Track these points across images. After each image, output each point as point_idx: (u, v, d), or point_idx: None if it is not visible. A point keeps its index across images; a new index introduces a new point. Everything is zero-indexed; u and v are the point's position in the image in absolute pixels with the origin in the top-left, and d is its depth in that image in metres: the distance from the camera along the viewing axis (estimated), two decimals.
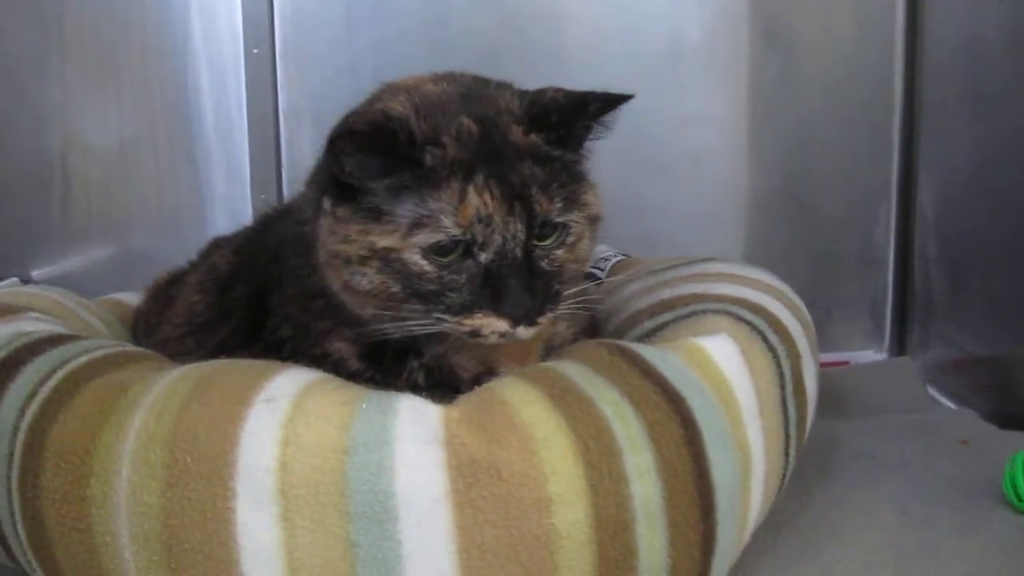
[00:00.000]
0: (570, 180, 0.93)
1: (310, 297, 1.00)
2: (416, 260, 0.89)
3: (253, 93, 1.82)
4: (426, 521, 0.79)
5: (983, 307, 1.66)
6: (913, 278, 1.87)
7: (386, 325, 0.93)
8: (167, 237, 1.82)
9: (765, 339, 1.00)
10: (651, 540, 0.83)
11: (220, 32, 1.81)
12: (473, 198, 0.88)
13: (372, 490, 0.78)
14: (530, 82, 0.99)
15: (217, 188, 1.86)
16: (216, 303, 1.15)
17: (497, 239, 0.89)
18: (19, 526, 0.88)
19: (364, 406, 0.82)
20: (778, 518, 1.08)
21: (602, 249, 1.61)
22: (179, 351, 1.10)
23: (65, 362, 0.94)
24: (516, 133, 0.92)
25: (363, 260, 0.91)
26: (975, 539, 1.09)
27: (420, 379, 0.99)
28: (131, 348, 1.05)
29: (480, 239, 0.89)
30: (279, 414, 0.81)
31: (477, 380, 0.96)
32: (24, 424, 0.89)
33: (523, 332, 0.90)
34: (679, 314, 1.05)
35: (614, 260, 1.55)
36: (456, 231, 0.88)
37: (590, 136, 0.97)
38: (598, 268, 1.54)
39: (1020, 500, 1.15)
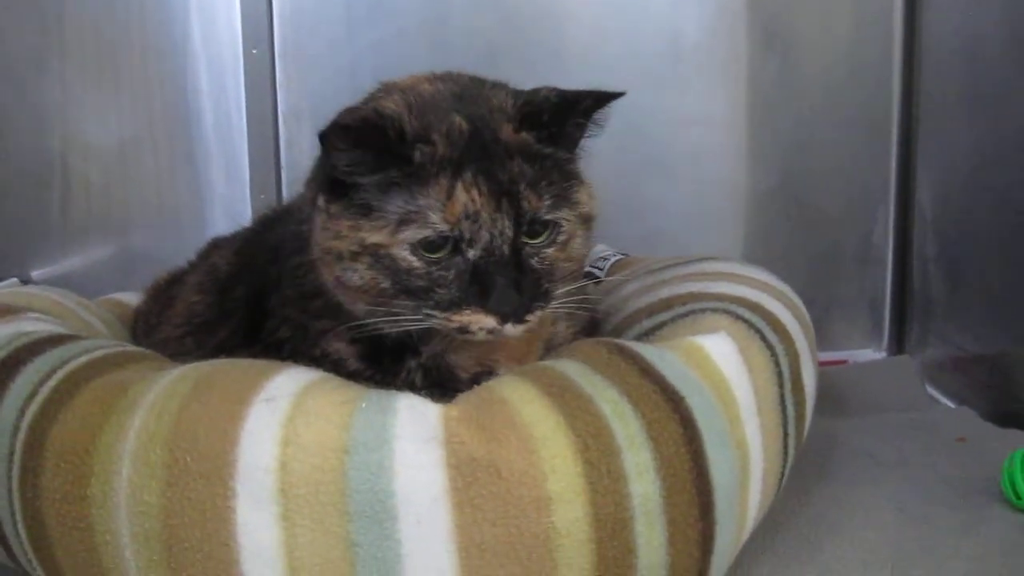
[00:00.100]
0: (561, 178, 0.94)
1: (308, 297, 1.00)
2: (405, 256, 0.90)
3: (252, 94, 1.82)
4: (426, 520, 0.79)
5: (982, 306, 1.66)
6: (912, 277, 1.87)
7: (378, 320, 0.94)
8: (166, 237, 1.82)
9: (763, 337, 1.00)
10: (650, 538, 0.83)
11: (219, 33, 1.81)
12: (461, 194, 0.89)
13: (372, 489, 0.79)
14: (530, 82, 0.99)
15: (216, 188, 1.86)
16: (216, 304, 1.15)
17: (485, 235, 0.89)
18: (19, 526, 0.89)
19: (364, 405, 0.82)
20: (777, 517, 1.08)
21: (601, 248, 1.61)
22: (179, 351, 1.10)
23: (65, 362, 0.94)
24: (506, 131, 0.92)
25: (354, 256, 0.91)
26: (973, 537, 1.10)
27: (418, 379, 0.99)
28: (131, 348, 1.05)
29: (468, 235, 0.89)
30: (279, 414, 0.81)
31: (476, 380, 0.96)
32: (24, 424, 0.89)
33: (511, 329, 0.90)
34: (677, 313, 1.05)
35: (613, 259, 1.55)
36: (444, 227, 0.89)
37: (583, 135, 0.97)
38: (597, 267, 1.54)
39: (1018, 498, 1.15)
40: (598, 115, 0.96)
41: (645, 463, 0.83)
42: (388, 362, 0.99)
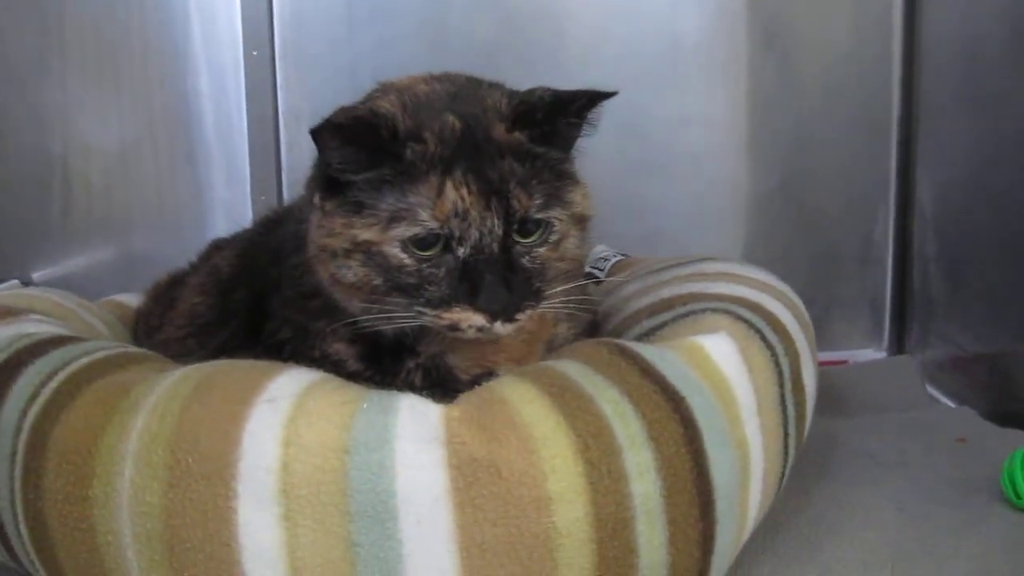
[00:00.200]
0: (553, 178, 0.94)
1: (307, 297, 1.01)
2: (395, 253, 0.91)
3: (253, 95, 1.82)
4: (427, 520, 0.79)
5: (982, 306, 1.66)
6: (912, 277, 1.87)
7: (373, 318, 0.94)
8: (167, 239, 1.83)
9: (763, 338, 1.00)
10: (651, 538, 0.83)
11: (220, 34, 1.81)
12: (450, 192, 0.89)
13: (373, 489, 0.79)
14: (529, 83, 0.99)
15: (217, 190, 1.86)
16: (217, 305, 1.15)
17: (474, 233, 0.90)
18: (22, 526, 0.89)
19: (365, 406, 0.83)
20: (777, 517, 1.08)
21: (601, 249, 1.61)
22: (180, 352, 1.10)
23: (67, 363, 0.94)
24: (499, 131, 0.93)
25: (347, 253, 0.92)
26: (974, 537, 1.10)
27: (417, 379, 0.99)
28: (133, 349, 1.05)
29: (457, 233, 0.90)
30: (280, 414, 0.81)
31: (476, 382, 0.96)
32: (26, 425, 0.89)
33: (501, 328, 0.91)
34: (678, 313, 1.05)
35: (613, 260, 1.56)
36: (433, 224, 0.90)
37: (577, 134, 0.98)
38: (597, 268, 1.54)
39: (1018, 497, 1.15)
40: (591, 114, 0.96)
41: (646, 463, 0.83)
42: (387, 363, 1.00)
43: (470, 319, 0.90)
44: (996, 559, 1.05)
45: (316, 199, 0.96)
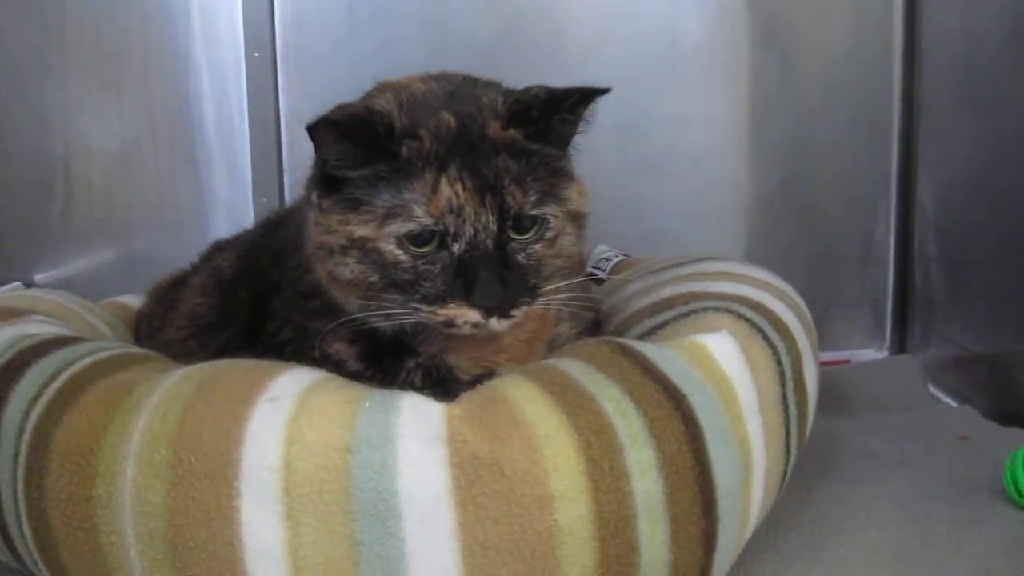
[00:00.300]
0: (548, 175, 0.94)
1: (307, 296, 1.01)
2: (391, 250, 0.91)
3: (254, 97, 1.82)
4: (429, 518, 0.79)
5: (983, 305, 1.66)
6: (913, 277, 1.87)
7: (370, 315, 0.95)
8: (169, 241, 1.82)
9: (765, 336, 1.00)
10: (652, 536, 0.83)
11: (221, 36, 1.81)
12: (445, 189, 0.90)
13: (375, 488, 0.79)
14: (530, 83, 0.99)
15: (219, 192, 1.86)
16: (219, 306, 1.15)
17: (468, 230, 0.90)
18: (24, 526, 0.89)
19: (367, 404, 0.83)
20: (780, 515, 1.09)
21: (603, 249, 1.61)
22: (182, 353, 1.11)
23: (69, 364, 0.94)
24: (494, 128, 0.93)
25: (344, 250, 0.93)
26: (976, 535, 1.10)
27: (417, 379, 1.00)
28: (135, 350, 1.06)
29: (452, 230, 0.90)
30: (283, 413, 0.82)
31: (477, 382, 0.95)
32: (29, 425, 0.89)
33: (496, 324, 0.91)
34: (679, 312, 1.05)
35: (615, 260, 1.56)
36: (428, 221, 0.90)
37: (573, 132, 0.98)
38: (599, 268, 1.55)
39: (1020, 496, 1.15)
40: (585, 111, 0.96)
41: (647, 461, 0.84)
42: (387, 363, 1.00)
43: (465, 315, 0.91)
44: (998, 557, 1.05)
45: (314, 196, 0.96)
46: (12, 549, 0.95)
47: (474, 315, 0.90)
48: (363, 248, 0.92)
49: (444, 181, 0.90)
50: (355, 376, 0.97)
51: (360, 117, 0.90)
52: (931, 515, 1.15)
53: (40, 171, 1.84)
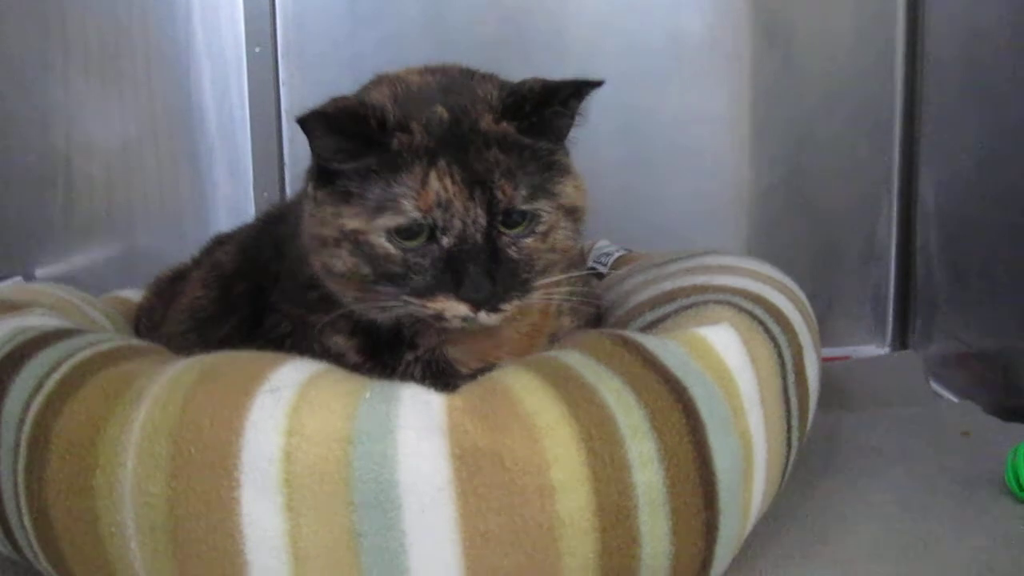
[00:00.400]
0: (541, 169, 0.94)
1: (305, 289, 1.01)
2: (381, 243, 0.91)
3: (255, 92, 1.82)
4: (429, 509, 0.79)
5: (985, 301, 1.66)
6: (915, 273, 1.87)
7: (365, 307, 0.95)
8: (170, 235, 1.83)
9: (767, 329, 1.00)
10: (653, 527, 0.83)
11: (222, 31, 1.81)
12: (434, 183, 0.90)
13: (376, 479, 0.79)
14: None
15: (220, 187, 1.86)
16: (219, 299, 1.15)
17: (457, 224, 0.90)
18: (25, 518, 0.89)
19: (368, 395, 0.83)
20: (781, 509, 1.08)
21: (604, 244, 1.61)
22: (182, 346, 1.10)
23: (70, 355, 0.94)
24: (487, 121, 0.93)
25: (336, 242, 0.93)
26: (977, 529, 1.09)
27: (416, 373, 1.00)
28: (135, 342, 1.06)
29: (441, 224, 0.90)
30: (283, 404, 0.81)
31: (477, 376, 0.96)
32: (29, 417, 0.89)
33: (485, 318, 0.91)
34: (681, 305, 1.05)
35: (616, 255, 1.56)
36: (417, 215, 0.90)
37: (569, 125, 0.97)
38: (600, 263, 1.55)
39: (1022, 490, 1.15)
40: (578, 104, 0.96)
41: (649, 452, 0.83)
42: (387, 356, 1.00)
43: (454, 308, 0.91)
44: (999, 552, 1.05)
45: (310, 188, 0.96)
46: (13, 541, 0.94)
47: (462, 308, 0.90)
48: (355, 241, 0.92)
49: (433, 175, 0.90)
50: (354, 369, 0.96)
51: (351, 110, 0.90)
52: (932, 510, 1.15)
53: (41, 166, 1.84)
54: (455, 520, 0.79)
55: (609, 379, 0.87)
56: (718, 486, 0.87)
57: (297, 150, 1.81)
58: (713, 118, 1.91)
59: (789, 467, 1.03)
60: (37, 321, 1.06)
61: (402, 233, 0.91)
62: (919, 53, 1.84)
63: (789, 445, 1.01)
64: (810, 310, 1.15)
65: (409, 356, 1.00)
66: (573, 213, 0.97)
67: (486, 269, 0.90)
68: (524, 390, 0.85)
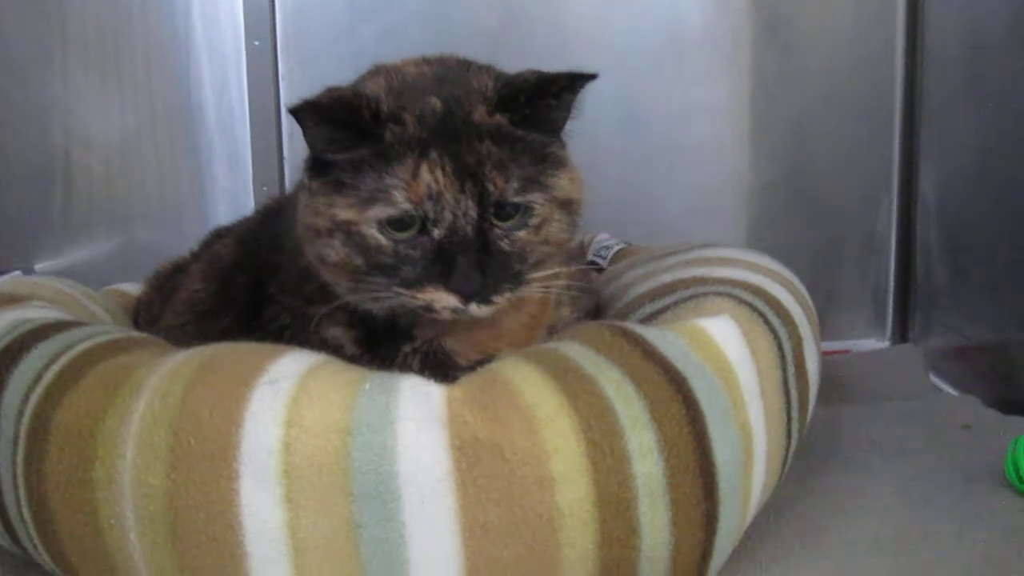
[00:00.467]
0: (534, 161, 0.94)
1: (302, 280, 1.01)
2: (373, 233, 0.91)
3: (255, 85, 1.82)
4: (429, 500, 0.79)
5: (985, 295, 1.66)
6: (915, 267, 1.87)
7: (359, 298, 0.95)
8: (169, 229, 1.83)
9: (767, 321, 1.00)
10: (653, 518, 0.83)
11: (221, 25, 1.81)
12: (425, 175, 0.90)
13: (375, 470, 0.79)
14: None
15: (219, 180, 1.86)
16: (219, 292, 1.15)
17: (448, 216, 0.90)
18: (24, 510, 0.89)
19: (367, 386, 0.83)
20: (781, 501, 1.08)
21: (604, 237, 1.61)
22: (181, 339, 1.10)
23: (69, 347, 0.94)
24: (480, 113, 0.93)
25: (329, 232, 0.93)
26: (977, 522, 1.09)
27: (415, 364, 0.99)
28: (135, 334, 1.05)
29: (432, 215, 0.90)
30: (283, 395, 0.81)
31: (476, 367, 0.95)
32: (28, 409, 0.89)
33: (476, 310, 0.91)
34: (680, 296, 1.05)
35: (616, 248, 1.56)
36: (408, 206, 0.90)
37: (564, 118, 0.97)
38: (600, 256, 1.55)
39: (1022, 483, 1.15)
40: (571, 97, 0.95)
41: (648, 443, 0.83)
42: (385, 348, 1.00)
43: (443, 300, 0.91)
44: (999, 544, 1.05)
45: (305, 179, 0.96)
46: (13, 535, 0.94)
47: (451, 300, 0.90)
48: (347, 231, 0.92)
49: (425, 167, 0.90)
50: (353, 360, 0.96)
51: (345, 101, 0.90)
52: (932, 502, 1.14)
53: (40, 160, 1.84)
54: (455, 511, 0.79)
55: (609, 370, 0.87)
56: (718, 477, 0.87)
57: (297, 144, 1.80)
58: (713, 112, 1.91)
59: (789, 459, 1.03)
60: (36, 313, 1.06)
61: (393, 224, 0.91)
62: (919, 47, 1.84)
63: (789, 437, 1.01)
64: (810, 302, 1.15)
65: (407, 347, 1.00)
66: (568, 206, 0.97)
67: (476, 261, 0.90)
68: (524, 381, 0.85)
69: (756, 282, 1.08)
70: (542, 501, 0.80)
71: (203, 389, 0.83)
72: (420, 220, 0.91)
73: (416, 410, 0.81)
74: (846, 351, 1.85)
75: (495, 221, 0.92)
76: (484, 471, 0.80)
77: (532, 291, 0.96)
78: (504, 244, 0.93)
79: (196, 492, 0.80)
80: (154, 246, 1.76)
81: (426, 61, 1.01)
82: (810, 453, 1.21)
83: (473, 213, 0.90)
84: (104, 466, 0.83)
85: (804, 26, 1.91)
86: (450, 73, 0.98)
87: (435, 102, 0.93)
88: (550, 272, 0.97)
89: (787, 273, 1.17)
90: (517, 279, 0.93)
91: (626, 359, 0.88)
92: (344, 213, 0.92)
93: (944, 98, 1.78)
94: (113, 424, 0.84)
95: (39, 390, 0.90)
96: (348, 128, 0.90)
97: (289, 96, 1.82)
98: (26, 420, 0.89)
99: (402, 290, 0.92)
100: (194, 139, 1.85)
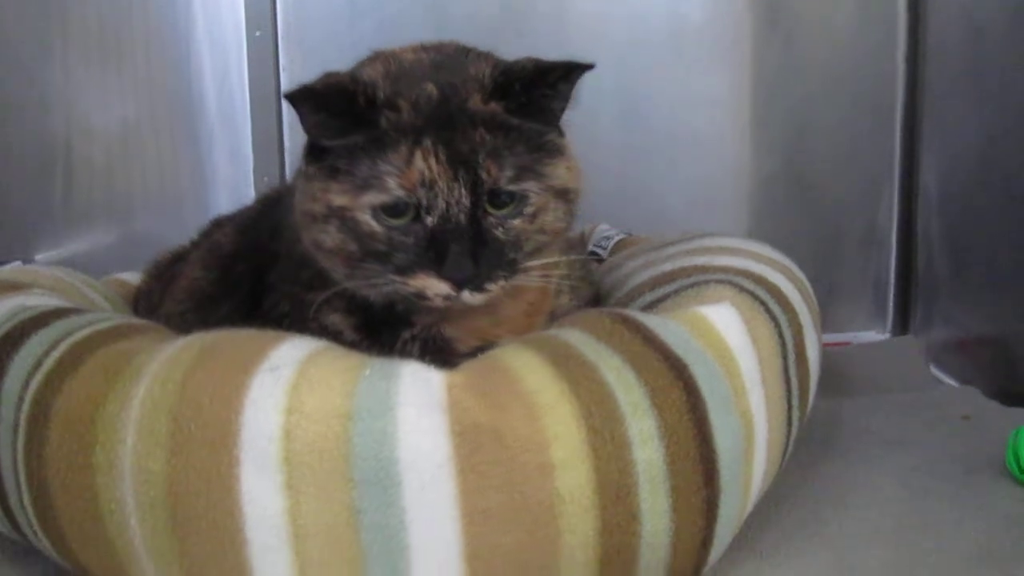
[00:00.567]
0: (530, 150, 0.94)
1: (300, 267, 1.01)
2: (367, 220, 0.91)
3: (255, 76, 1.82)
4: (430, 486, 0.79)
5: (986, 287, 1.66)
6: (916, 259, 1.87)
7: (355, 284, 0.95)
8: (170, 220, 1.82)
9: (767, 309, 1.00)
10: (654, 505, 0.83)
11: (222, 15, 1.81)
12: (418, 162, 0.90)
13: (376, 456, 0.79)
14: None
15: (220, 171, 1.86)
16: (218, 280, 1.15)
17: (441, 203, 0.90)
18: (25, 496, 0.89)
19: (368, 373, 0.82)
20: (781, 491, 1.08)
21: (605, 228, 1.61)
22: (181, 327, 1.10)
23: (69, 334, 0.94)
24: (475, 100, 0.93)
25: (325, 218, 0.93)
26: (977, 512, 1.10)
27: (415, 351, 0.99)
28: (135, 320, 1.05)
29: (425, 203, 0.90)
30: (283, 382, 0.81)
31: (476, 354, 0.95)
32: (28, 395, 0.89)
33: (469, 297, 0.91)
34: (681, 285, 1.05)
35: (616, 239, 1.55)
36: (401, 193, 0.90)
37: (561, 107, 0.96)
38: (601, 247, 1.54)
39: (1022, 472, 1.15)
40: (566, 87, 0.95)
41: (649, 430, 0.83)
42: (384, 334, 1.00)
43: (435, 287, 0.91)
44: (999, 534, 1.05)
45: (303, 164, 0.97)
46: (13, 521, 0.95)
47: (443, 287, 0.90)
48: (341, 217, 0.92)
49: (418, 154, 0.90)
50: (352, 347, 0.96)
51: (341, 87, 0.90)
52: (932, 492, 1.15)
53: (41, 151, 1.84)
54: (455, 497, 0.79)
55: (609, 357, 0.87)
56: (719, 464, 0.87)
57: (297, 134, 1.79)
58: (714, 104, 1.90)
59: (790, 447, 1.03)
60: (37, 300, 1.06)
61: (387, 211, 0.91)
62: (921, 39, 1.84)
63: (790, 425, 1.00)
64: (810, 291, 1.15)
65: (406, 334, 1.00)
66: (565, 195, 0.96)
67: (469, 249, 0.90)
68: (524, 368, 0.85)
69: (757, 270, 1.08)
70: (542, 487, 0.80)
71: (203, 375, 0.82)
72: (414, 207, 0.91)
73: (417, 396, 0.81)
74: (846, 343, 1.85)
75: (489, 209, 0.92)
76: (485, 457, 0.79)
77: (529, 280, 0.96)
78: (498, 232, 0.93)
79: (196, 478, 0.80)
80: (155, 237, 1.74)
81: (425, 48, 1.01)
82: (811, 444, 1.21)
83: (466, 201, 0.90)
84: (104, 451, 0.83)
85: (805, 17, 1.90)
86: (448, 60, 0.98)
87: (431, 89, 0.93)
88: (546, 261, 0.97)
89: (787, 262, 1.17)
90: (511, 267, 0.93)
91: (627, 346, 0.88)
92: (339, 199, 0.92)
93: (946, 89, 1.78)
94: (113, 410, 0.83)
95: (39, 376, 0.90)
96: (344, 114, 0.90)
97: (290, 86, 1.80)
98: (26, 406, 0.89)
99: (395, 277, 0.92)
100: (195, 130, 1.85)
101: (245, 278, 1.10)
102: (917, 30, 1.85)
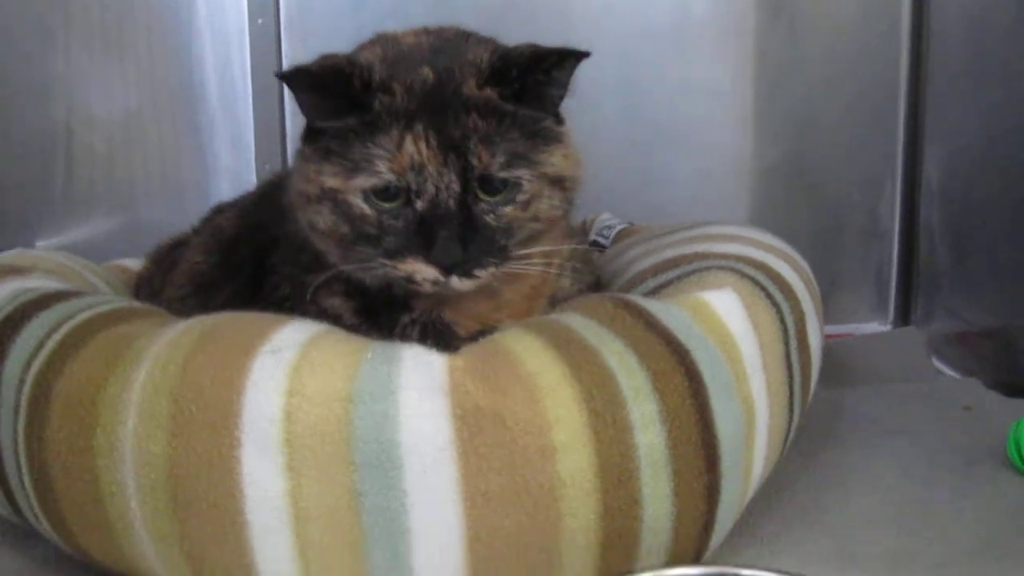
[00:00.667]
0: (525, 136, 0.93)
1: (299, 250, 1.01)
2: (358, 203, 0.92)
3: (258, 64, 1.81)
4: (431, 469, 0.79)
5: (988, 279, 1.66)
6: (918, 250, 1.87)
7: (350, 267, 0.95)
8: (171, 208, 1.81)
9: (769, 295, 1.00)
10: (655, 488, 0.83)
11: (224, 2, 1.80)
12: (409, 146, 0.90)
13: (377, 439, 0.79)
14: None
15: (221, 159, 1.85)
16: (220, 264, 1.15)
17: (430, 188, 0.90)
18: (26, 479, 0.89)
19: (369, 356, 0.82)
20: (782, 478, 1.08)
21: (606, 217, 1.61)
22: (182, 311, 1.10)
23: (71, 316, 0.94)
24: (470, 86, 0.92)
25: (318, 199, 0.93)
26: (978, 501, 1.10)
27: (415, 335, 0.99)
28: (136, 304, 1.05)
29: (415, 187, 0.90)
30: (284, 364, 0.81)
31: (477, 339, 0.95)
32: (29, 377, 0.89)
33: (458, 283, 0.91)
34: (683, 271, 1.05)
35: (618, 228, 1.55)
36: (391, 177, 0.90)
37: (554, 94, 0.96)
38: (602, 236, 1.54)
39: (1023, 462, 1.15)
40: (561, 74, 0.94)
41: (651, 414, 0.83)
42: (384, 318, 1.00)
43: (423, 271, 0.91)
44: (1000, 523, 1.05)
45: (300, 146, 0.97)
46: (13, 504, 0.95)
47: (431, 272, 0.90)
48: (334, 199, 0.92)
49: (409, 138, 0.90)
50: (352, 331, 0.96)
51: (336, 69, 0.90)
52: (933, 481, 1.15)
53: (43, 139, 1.83)
54: (456, 480, 0.79)
55: (611, 341, 0.86)
56: (720, 449, 0.86)
57: (299, 122, 1.79)
58: (717, 95, 1.89)
59: (791, 434, 1.03)
60: (38, 283, 1.06)
61: (378, 194, 0.91)
62: (924, 31, 1.83)
63: (791, 411, 1.00)
64: (812, 278, 1.15)
65: (406, 318, 0.99)
66: (560, 183, 0.96)
67: (458, 234, 0.90)
68: (526, 351, 0.85)
69: (759, 257, 1.07)
70: (544, 471, 0.80)
71: (204, 358, 0.82)
72: (405, 191, 0.91)
73: (418, 379, 0.81)
74: (848, 335, 1.85)
75: (481, 195, 0.92)
76: (486, 440, 0.79)
77: (523, 268, 0.95)
78: (490, 219, 0.92)
79: (197, 460, 0.80)
80: (156, 224, 1.74)
81: (427, 31, 1.00)
82: (811, 432, 1.21)
83: (456, 186, 0.90)
84: (105, 433, 0.83)
85: (808, 9, 1.90)
86: (447, 44, 0.98)
87: (427, 73, 0.93)
88: (541, 249, 0.97)
89: (789, 249, 1.17)
90: (502, 254, 0.93)
91: (629, 331, 0.88)
92: (331, 181, 0.92)
93: (948, 81, 1.78)
94: (114, 392, 0.83)
95: (40, 359, 0.90)
96: (339, 96, 0.90)
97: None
98: (27, 388, 0.89)
99: (385, 260, 0.92)
100: (196, 117, 1.84)
101: (246, 262, 1.10)
102: (920, 22, 1.84)
